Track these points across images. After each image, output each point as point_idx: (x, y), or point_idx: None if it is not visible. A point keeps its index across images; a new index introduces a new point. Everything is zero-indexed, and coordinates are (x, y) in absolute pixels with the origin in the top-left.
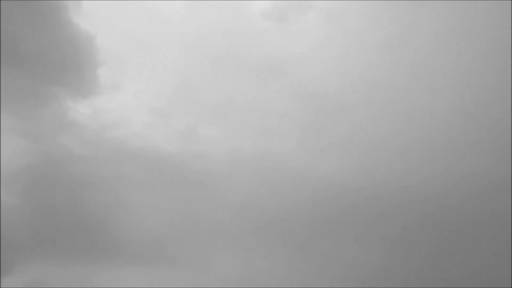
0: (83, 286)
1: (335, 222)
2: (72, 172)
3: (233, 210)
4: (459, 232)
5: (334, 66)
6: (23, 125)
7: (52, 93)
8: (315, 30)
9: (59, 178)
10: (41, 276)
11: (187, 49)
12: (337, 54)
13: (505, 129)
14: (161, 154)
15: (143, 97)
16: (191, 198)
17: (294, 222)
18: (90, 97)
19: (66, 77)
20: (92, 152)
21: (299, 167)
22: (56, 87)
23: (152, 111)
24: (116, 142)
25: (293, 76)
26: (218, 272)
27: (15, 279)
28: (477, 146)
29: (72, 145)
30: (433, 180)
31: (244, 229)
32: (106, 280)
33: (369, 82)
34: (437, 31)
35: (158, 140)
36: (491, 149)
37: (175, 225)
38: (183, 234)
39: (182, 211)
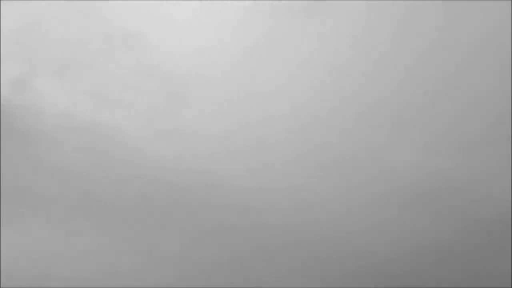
0: None
1: (167, 208)
2: None
3: (54, 176)
4: None
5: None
6: None
7: None
8: None
9: None
10: None
11: None
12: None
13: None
14: None
15: None
16: (8, 152)
17: (122, 201)
18: None
19: None
20: None
21: (139, 144)
22: None
23: None
24: None
25: (153, 53)
26: (25, 237)
27: None
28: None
29: None
30: None
31: (64, 199)
32: None
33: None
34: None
35: None
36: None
37: None
38: None
39: None
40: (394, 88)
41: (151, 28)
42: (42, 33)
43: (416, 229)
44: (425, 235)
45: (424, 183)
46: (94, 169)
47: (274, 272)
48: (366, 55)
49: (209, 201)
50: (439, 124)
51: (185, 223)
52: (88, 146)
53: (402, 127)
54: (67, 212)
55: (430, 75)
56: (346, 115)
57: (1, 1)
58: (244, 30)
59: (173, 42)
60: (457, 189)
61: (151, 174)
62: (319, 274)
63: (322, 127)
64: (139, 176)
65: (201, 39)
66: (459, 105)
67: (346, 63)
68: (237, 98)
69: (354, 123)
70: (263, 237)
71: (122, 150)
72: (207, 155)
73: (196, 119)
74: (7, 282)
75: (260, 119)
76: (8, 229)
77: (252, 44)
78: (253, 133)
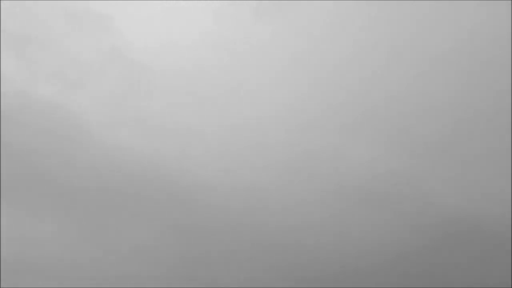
0: None
1: (124, 197)
2: None
3: (10, 157)
4: None
5: None
6: None
7: None
8: None
9: None
10: None
11: None
12: None
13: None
14: None
15: None
16: None
17: (78, 187)
18: None
19: None
20: None
21: (99, 131)
22: None
23: None
24: None
25: (119, 38)
26: None
27: None
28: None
29: None
30: None
31: (19, 181)
32: None
33: None
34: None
35: None
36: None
37: None
38: None
39: None
40: (348, 89)
41: (119, 12)
42: (2, 9)
43: (362, 227)
44: (370, 234)
45: (373, 183)
46: (51, 152)
47: (225, 264)
48: (321, 57)
49: (170, 193)
50: (391, 126)
51: (143, 214)
52: (45, 128)
53: (355, 128)
54: (22, 194)
55: (384, 78)
56: (300, 115)
57: None
58: (212, 26)
59: (141, 29)
60: (404, 191)
61: (110, 163)
62: (275, 268)
63: (276, 126)
64: (98, 164)
65: (170, 29)
66: (412, 108)
67: (302, 63)
68: (201, 91)
69: (308, 123)
70: (222, 232)
71: (81, 135)
72: (168, 146)
73: (158, 109)
74: None
75: (222, 112)
76: None
77: (219, 39)
78: (216, 125)
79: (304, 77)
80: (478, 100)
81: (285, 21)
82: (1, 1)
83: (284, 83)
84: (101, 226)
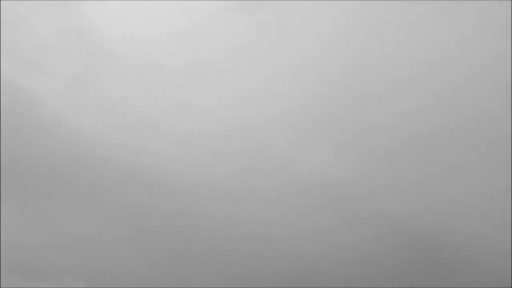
0: None
1: (77, 181)
2: None
3: None
4: None
5: None
6: None
7: None
8: None
9: None
10: None
11: None
12: None
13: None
14: None
15: None
16: None
17: (33, 169)
18: None
19: None
20: None
21: (58, 114)
22: None
23: None
24: None
25: (83, 21)
26: None
27: None
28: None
29: None
30: None
31: None
32: None
33: None
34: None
35: None
36: None
37: None
38: None
39: None
40: (303, 96)
41: None
42: None
43: (312, 231)
44: (318, 239)
45: (324, 189)
46: (6, 132)
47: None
48: (280, 62)
49: (127, 178)
50: (345, 135)
51: (99, 199)
52: (2, 107)
53: (309, 134)
54: None
55: (340, 85)
56: (255, 122)
57: None
58: (182, 19)
59: (107, 15)
60: (355, 198)
61: (68, 146)
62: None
63: (232, 134)
64: (54, 147)
65: (140, 20)
66: (369, 118)
67: (262, 66)
68: (163, 82)
69: (263, 129)
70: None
71: (39, 117)
72: (128, 131)
73: (119, 96)
74: None
75: (182, 101)
76: None
77: (187, 33)
78: (175, 112)
79: (262, 80)
80: (433, 113)
81: (250, 19)
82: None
83: (240, 84)
84: (48, 212)
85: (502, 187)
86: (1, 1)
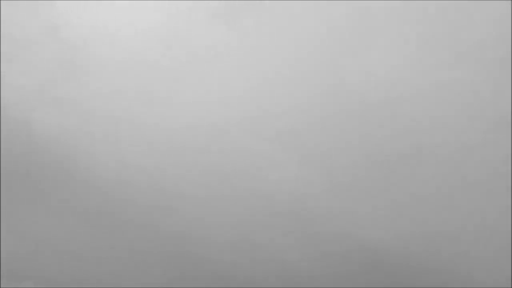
0: None
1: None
2: None
3: None
4: None
5: None
6: None
7: None
8: None
9: None
10: None
11: None
12: None
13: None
14: None
15: None
16: None
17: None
18: None
19: None
20: None
21: (26, 111)
22: None
23: None
24: None
25: (54, 15)
26: None
27: None
28: None
29: None
30: None
31: None
32: None
33: None
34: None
35: None
36: None
37: None
38: None
39: None
40: (278, 102)
41: None
42: None
43: (272, 246)
44: (279, 255)
45: (288, 205)
46: None
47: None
48: (250, 69)
49: (92, 178)
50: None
51: (64, 200)
52: None
53: (279, 144)
54: None
55: (317, 92)
56: (229, 128)
57: None
58: (160, 20)
59: (83, 13)
60: (319, 215)
61: (37, 145)
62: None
63: (205, 140)
64: (22, 144)
65: (117, 18)
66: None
67: (238, 71)
68: (137, 83)
69: (237, 135)
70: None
71: (6, 118)
72: (95, 132)
73: (88, 95)
74: None
75: (160, 98)
76: None
77: (164, 34)
78: (149, 111)
79: (234, 85)
80: (402, 134)
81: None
82: None
83: (213, 88)
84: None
85: (476, 208)
86: None
